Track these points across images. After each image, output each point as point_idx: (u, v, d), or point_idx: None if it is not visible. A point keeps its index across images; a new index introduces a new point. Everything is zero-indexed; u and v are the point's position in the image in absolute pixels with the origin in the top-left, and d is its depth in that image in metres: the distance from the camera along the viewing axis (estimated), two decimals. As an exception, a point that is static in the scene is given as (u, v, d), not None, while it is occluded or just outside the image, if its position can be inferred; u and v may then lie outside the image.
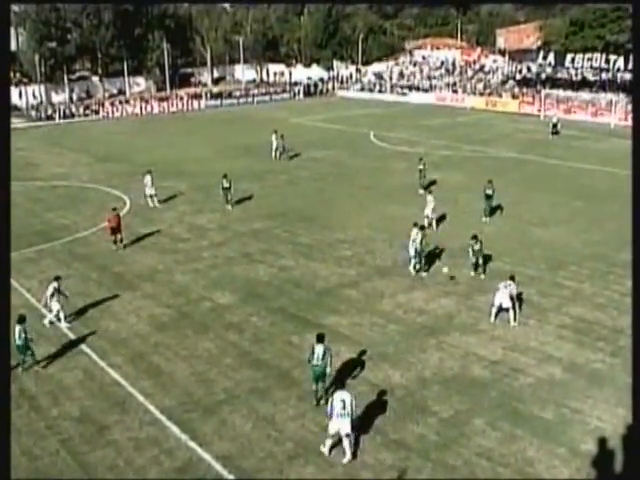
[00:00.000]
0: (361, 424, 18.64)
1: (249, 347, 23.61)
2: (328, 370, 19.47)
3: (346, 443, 17.32)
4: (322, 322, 25.17)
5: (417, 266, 29.31)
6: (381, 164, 52.57)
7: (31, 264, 32.32)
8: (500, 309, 24.59)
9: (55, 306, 25.55)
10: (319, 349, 19.33)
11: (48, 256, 33.53)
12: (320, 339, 19.50)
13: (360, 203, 41.18)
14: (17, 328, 21.88)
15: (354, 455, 17.46)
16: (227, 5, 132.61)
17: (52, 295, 25.50)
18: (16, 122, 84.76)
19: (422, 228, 29.68)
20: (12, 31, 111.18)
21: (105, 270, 31.53)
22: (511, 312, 24.44)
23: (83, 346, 23.99)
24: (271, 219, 38.29)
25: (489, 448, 17.70)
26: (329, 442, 17.57)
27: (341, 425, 17.08)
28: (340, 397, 17.21)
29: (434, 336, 23.91)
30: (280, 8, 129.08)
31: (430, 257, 30.45)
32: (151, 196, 41.48)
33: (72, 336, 24.76)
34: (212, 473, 17.09)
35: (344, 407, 17.06)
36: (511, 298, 24.33)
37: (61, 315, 25.66)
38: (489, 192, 36.68)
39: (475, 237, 28.78)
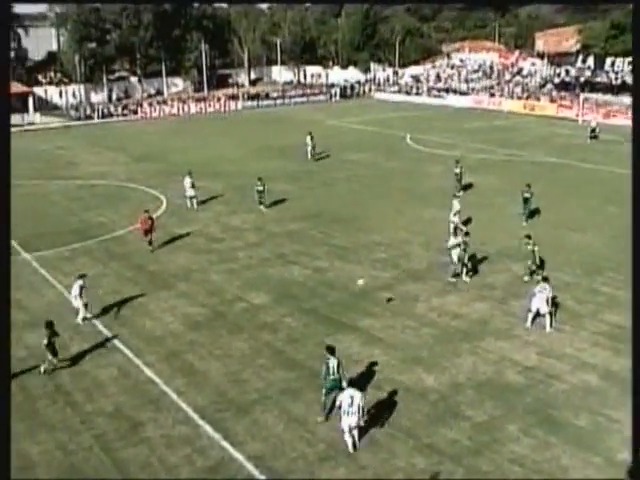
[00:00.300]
0: (394, 427, 18.71)
1: (282, 348, 23.67)
2: (344, 384, 18.73)
3: (354, 433, 17.75)
4: (356, 324, 25.17)
5: (459, 271, 29.01)
6: (417, 167, 52.42)
7: (68, 262, 32.65)
8: (537, 315, 24.40)
9: (80, 306, 25.76)
10: (333, 362, 19.03)
11: (85, 254, 33.86)
12: (332, 351, 19.20)
13: (396, 206, 41.08)
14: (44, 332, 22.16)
15: (355, 447, 17.79)
16: (265, 7, 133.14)
17: (80, 293, 25.73)
18: (56, 121, 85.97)
19: (467, 234, 29.37)
20: (53, 32, 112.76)
21: (141, 269, 31.77)
22: (547, 317, 24.24)
23: (118, 343, 24.21)
24: (306, 220, 38.33)
25: (522, 454, 17.54)
26: (348, 439, 17.76)
27: (349, 421, 17.49)
28: (349, 394, 17.51)
29: (468, 340, 23.77)
30: (318, 10, 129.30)
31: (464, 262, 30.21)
32: (191, 198, 41.43)
33: (107, 333, 24.99)
34: (244, 473, 17.13)
35: (351, 404, 17.37)
36: (547, 302, 24.13)
37: (83, 314, 25.86)
38: (527, 196, 36.41)
39: (529, 236, 28.70)
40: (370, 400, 19.85)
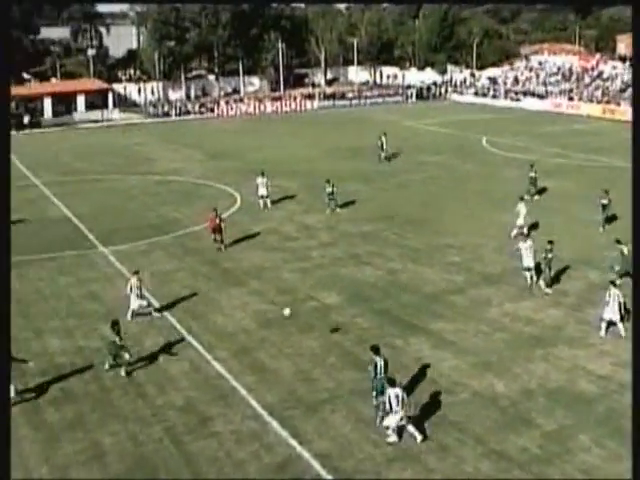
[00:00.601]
0: (463, 432, 18.58)
1: (353, 348, 23.66)
2: (384, 383, 18.87)
3: (411, 429, 18.12)
4: (427, 327, 25.05)
5: (535, 278, 28.46)
6: (493, 170, 51.81)
7: (143, 256, 33.26)
8: (610, 324, 23.91)
9: (134, 303, 26.01)
10: (381, 361, 19.30)
11: (160, 249, 34.44)
12: (377, 351, 19.50)
13: (471, 209, 40.69)
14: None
15: (400, 437, 18.13)
16: (342, 7, 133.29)
17: (132, 290, 26.01)
18: (134, 118, 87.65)
19: (550, 242, 28.54)
20: (133, 30, 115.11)
21: (214, 265, 32.15)
22: (620, 325, 23.73)
23: (190, 338, 24.56)
24: (380, 221, 38.25)
25: (593, 465, 17.19)
26: (392, 434, 18.04)
27: (399, 418, 17.87)
28: (395, 393, 17.89)
29: (541, 347, 23.41)
30: (395, 11, 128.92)
31: (540, 269, 29.49)
32: (262, 197, 41.46)
33: (180, 328, 25.36)
34: (311, 472, 17.18)
35: (398, 402, 17.77)
36: (620, 309, 23.60)
37: (131, 313, 26.07)
38: (605, 202, 35.72)
39: (619, 241, 28.21)
40: (440, 404, 19.85)
